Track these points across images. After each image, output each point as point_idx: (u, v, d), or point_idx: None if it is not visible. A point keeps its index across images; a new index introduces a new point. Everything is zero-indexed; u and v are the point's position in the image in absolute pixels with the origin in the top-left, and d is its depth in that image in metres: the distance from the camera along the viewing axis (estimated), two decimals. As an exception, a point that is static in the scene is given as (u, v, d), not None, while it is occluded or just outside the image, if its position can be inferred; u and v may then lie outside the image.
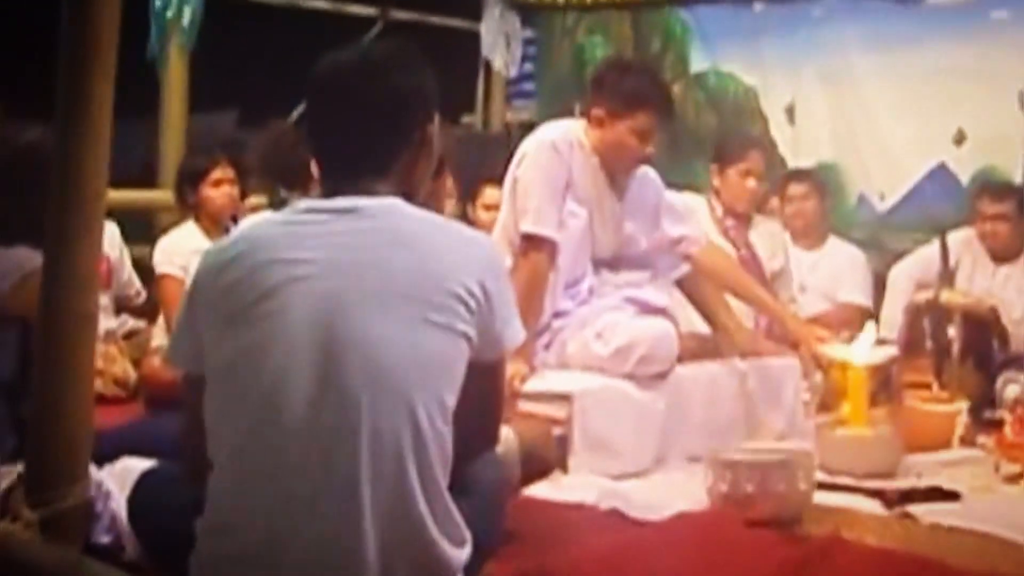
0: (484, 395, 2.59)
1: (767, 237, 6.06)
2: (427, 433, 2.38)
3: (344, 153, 2.59)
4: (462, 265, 2.48)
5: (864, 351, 4.41)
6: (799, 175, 6.82)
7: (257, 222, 2.93)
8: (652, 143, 4.56)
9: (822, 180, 6.80)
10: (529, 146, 4.55)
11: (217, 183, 5.66)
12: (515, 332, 2.60)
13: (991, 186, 6.40)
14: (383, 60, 2.64)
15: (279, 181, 4.85)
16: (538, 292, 4.41)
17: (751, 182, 5.89)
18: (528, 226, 4.44)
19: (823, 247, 6.66)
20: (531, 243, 4.43)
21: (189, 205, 5.71)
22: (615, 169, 4.62)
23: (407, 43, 2.72)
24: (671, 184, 5.01)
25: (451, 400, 2.44)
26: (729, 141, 6.27)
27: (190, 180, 5.70)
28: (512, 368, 4.21)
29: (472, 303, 2.45)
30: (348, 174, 2.56)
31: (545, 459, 3.35)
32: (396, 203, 2.54)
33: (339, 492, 2.33)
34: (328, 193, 2.57)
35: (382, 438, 2.34)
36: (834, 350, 4.67)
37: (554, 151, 4.49)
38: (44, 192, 2.94)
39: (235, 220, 5.44)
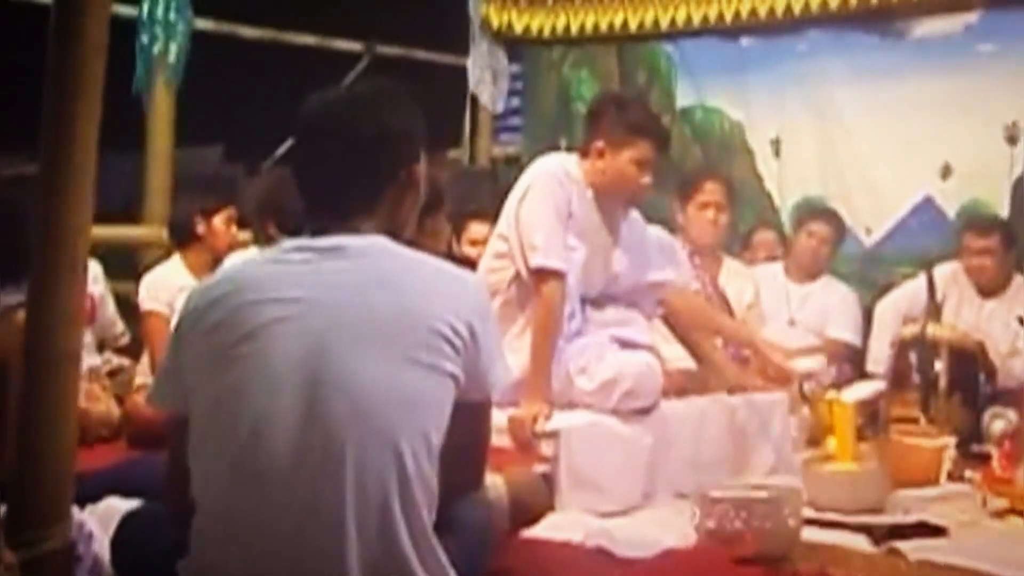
0: (470, 435, 2.58)
1: (735, 277, 6.04)
2: (412, 473, 2.37)
3: (330, 191, 2.58)
4: (448, 304, 2.47)
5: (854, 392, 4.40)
6: (823, 213, 6.83)
7: (242, 261, 2.92)
8: (650, 174, 4.56)
9: (843, 224, 6.81)
10: (531, 179, 4.54)
11: (228, 219, 5.66)
12: (502, 372, 2.59)
13: (977, 220, 6.41)
14: (370, 99, 2.64)
15: (274, 224, 4.84)
16: (553, 326, 4.39)
17: (710, 213, 5.87)
18: (539, 260, 4.41)
19: (815, 283, 6.65)
20: (542, 277, 4.41)
21: (192, 237, 5.68)
22: (611, 203, 4.62)
23: (394, 82, 2.72)
24: (656, 220, 5.01)
25: (437, 440, 2.43)
26: (686, 175, 6.28)
27: (203, 212, 5.67)
28: (531, 409, 4.20)
29: (458, 342, 2.45)
30: (334, 212, 2.56)
31: (535, 507, 3.32)
32: (382, 242, 2.53)
33: (324, 532, 2.32)
34: (314, 231, 2.56)
35: (367, 478, 2.33)
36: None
37: (558, 183, 4.50)
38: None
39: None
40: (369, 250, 2.51)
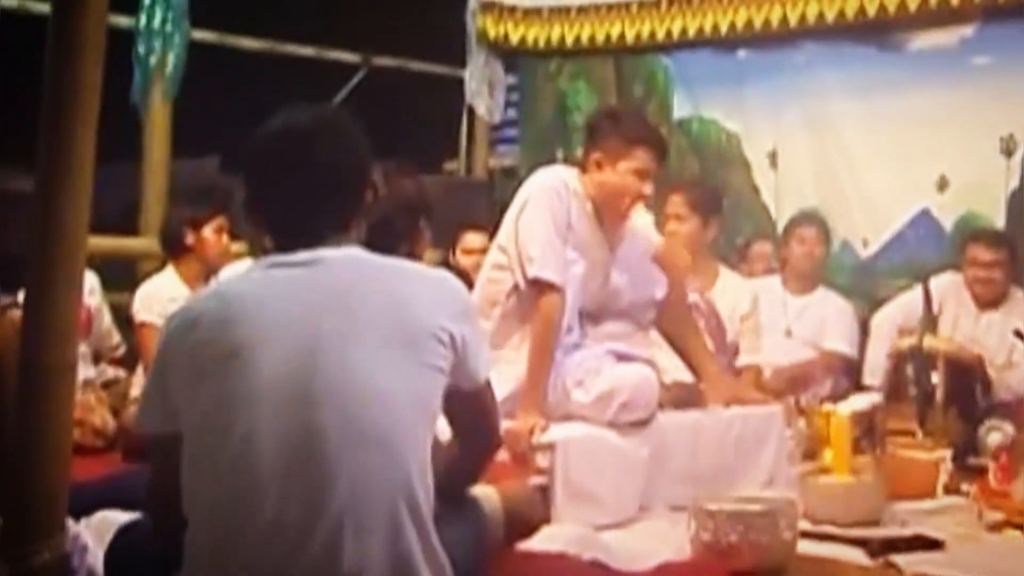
0: (475, 411, 2.70)
1: (731, 289, 6.03)
2: (411, 478, 2.38)
3: (299, 218, 2.58)
4: (431, 305, 2.50)
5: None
6: (811, 219, 6.82)
7: (223, 280, 2.92)
8: (650, 184, 4.56)
9: (828, 228, 6.80)
10: (530, 191, 4.54)
11: (219, 229, 5.66)
12: (485, 364, 2.65)
13: (984, 233, 6.37)
14: (335, 127, 2.65)
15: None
16: (551, 338, 4.37)
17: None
18: (535, 271, 4.39)
19: (813, 294, 6.65)
20: (540, 289, 4.39)
21: (183, 247, 5.68)
22: (611, 218, 4.61)
23: (337, 108, 2.73)
24: (652, 232, 5.00)
25: (429, 438, 2.47)
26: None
27: (192, 222, 5.67)
28: (527, 421, 4.19)
29: (445, 338, 2.48)
30: (303, 233, 2.56)
31: (531, 520, 3.32)
32: (356, 251, 2.57)
33: (318, 546, 2.32)
34: (285, 248, 2.56)
35: (361, 489, 2.34)
36: None
37: (556, 196, 4.49)
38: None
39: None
40: (347, 260, 2.53)
